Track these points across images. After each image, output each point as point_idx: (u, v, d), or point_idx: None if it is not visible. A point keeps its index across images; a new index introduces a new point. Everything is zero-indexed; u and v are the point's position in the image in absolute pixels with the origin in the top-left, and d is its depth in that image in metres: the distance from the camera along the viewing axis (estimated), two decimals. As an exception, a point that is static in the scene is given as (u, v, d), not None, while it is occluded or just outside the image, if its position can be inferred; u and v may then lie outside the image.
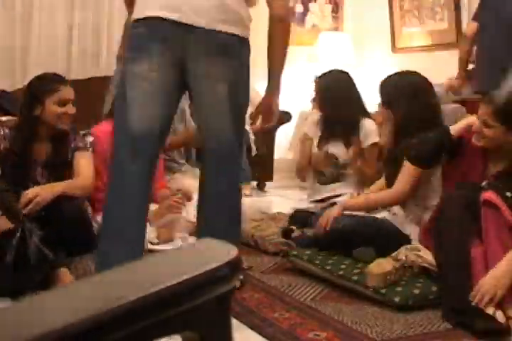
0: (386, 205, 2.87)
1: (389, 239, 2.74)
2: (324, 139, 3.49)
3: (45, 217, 2.55)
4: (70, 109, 2.80)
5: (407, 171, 2.72)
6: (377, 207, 2.89)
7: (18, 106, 2.93)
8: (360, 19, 5.84)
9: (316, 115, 3.59)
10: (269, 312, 2.29)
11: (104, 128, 3.15)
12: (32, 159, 2.75)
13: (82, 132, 2.93)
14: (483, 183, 2.32)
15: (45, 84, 2.79)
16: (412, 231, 2.76)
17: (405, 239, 2.74)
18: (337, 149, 3.44)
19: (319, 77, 3.60)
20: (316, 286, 2.58)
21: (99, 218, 3.03)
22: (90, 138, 2.91)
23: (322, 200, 3.44)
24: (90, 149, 2.88)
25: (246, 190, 4.48)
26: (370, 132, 3.42)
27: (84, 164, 2.82)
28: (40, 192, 2.55)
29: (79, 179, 2.77)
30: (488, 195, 2.21)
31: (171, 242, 3.10)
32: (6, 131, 2.77)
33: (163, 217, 3.17)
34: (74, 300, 0.62)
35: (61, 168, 2.78)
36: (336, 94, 3.44)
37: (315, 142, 3.52)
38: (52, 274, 2.41)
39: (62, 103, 2.78)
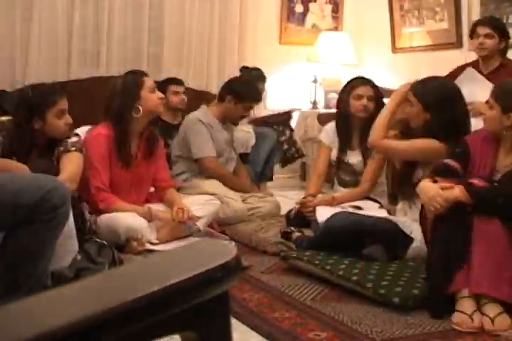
0: None
1: (390, 238, 2.76)
2: (342, 149, 3.53)
3: None
4: (68, 119, 2.84)
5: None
6: None
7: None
8: (360, 19, 5.84)
9: (333, 124, 3.60)
10: (269, 312, 2.29)
11: (100, 130, 3.16)
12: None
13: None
14: None
15: (44, 97, 2.79)
16: (414, 229, 2.77)
17: (407, 238, 2.76)
18: (355, 159, 3.48)
19: (363, 83, 3.49)
20: (316, 286, 2.58)
21: (103, 217, 3.05)
22: (74, 138, 2.90)
23: None
24: (73, 148, 2.85)
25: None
26: None
27: (65, 164, 2.80)
28: None
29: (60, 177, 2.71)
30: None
31: (170, 243, 3.10)
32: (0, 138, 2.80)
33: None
34: (74, 300, 0.62)
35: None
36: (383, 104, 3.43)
37: (334, 150, 3.57)
38: None
39: (62, 114, 2.81)
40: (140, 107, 3.14)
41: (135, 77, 3.22)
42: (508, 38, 3.78)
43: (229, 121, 3.95)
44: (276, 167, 5.04)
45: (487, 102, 2.49)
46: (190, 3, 5.21)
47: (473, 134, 2.64)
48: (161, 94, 3.26)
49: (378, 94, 3.48)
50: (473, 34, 3.82)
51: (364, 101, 3.41)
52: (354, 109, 3.42)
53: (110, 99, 3.18)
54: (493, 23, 3.82)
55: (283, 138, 4.91)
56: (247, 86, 3.95)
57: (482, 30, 3.74)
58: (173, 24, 5.16)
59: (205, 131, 3.77)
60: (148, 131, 3.28)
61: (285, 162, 5.05)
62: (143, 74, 3.31)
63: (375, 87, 3.50)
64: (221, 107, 3.89)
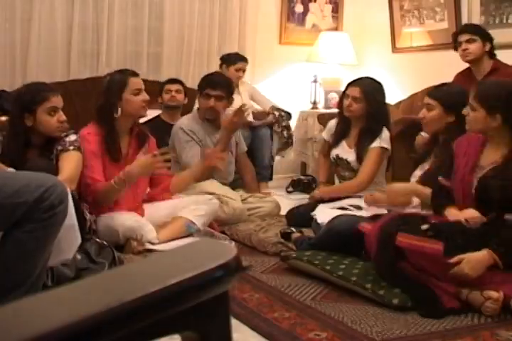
0: None
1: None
2: (335, 144, 3.58)
3: None
4: (61, 116, 2.83)
5: None
6: None
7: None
8: (360, 19, 5.84)
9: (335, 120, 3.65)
10: (269, 312, 2.29)
11: (89, 129, 3.15)
12: (24, 165, 2.77)
13: (63, 133, 2.91)
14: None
15: (35, 94, 2.78)
16: None
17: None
18: (352, 157, 3.49)
19: (351, 84, 3.51)
20: (316, 286, 2.58)
21: (103, 217, 3.04)
22: (72, 137, 2.91)
23: (333, 200, 3.45)
24: (71, 147, 2.86)
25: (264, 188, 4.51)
26: (384, 138, 3.44)
27: (64, 164, 2.82)
28: None
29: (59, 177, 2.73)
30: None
31: (170, 242, 3.10)
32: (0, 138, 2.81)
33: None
34: (73, 300, 0.62)
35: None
36: (380, 105, 3.46)
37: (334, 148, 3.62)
38: None
39: (53, 111, 2.80)
40: (120, 108, 3.10)
41: (121, 77, 3.15)
42: (491, 39, 3.78)
43: (208, 116, 3.82)
44: (277, 167, 5.04)
45: (470, 106, 2.48)
46: (190, 3, 5.21)
47: (462, 136, 2.66)
48: (145, 97, 3.15)
49: (368, 95, 3.41)
50: (456, 44, 3.83)
51: (348, 101, 3.43)
52: (343, 107, 3.48)
53: (97, 97, 3.18)
54: (470, 28, 3.87)
55: (271, 117, 4.80)
56: (202, 79, 3.94)
57: (462, 38, 3.78)
58: (173, 24, 5.17)
59: (187, 138, 3.71)
60: (138, 129, 3.26)
61: (280, 149, 4.96)
62: (132, 74, 3.20)
63: (369, 87, 3.45)
64: None
